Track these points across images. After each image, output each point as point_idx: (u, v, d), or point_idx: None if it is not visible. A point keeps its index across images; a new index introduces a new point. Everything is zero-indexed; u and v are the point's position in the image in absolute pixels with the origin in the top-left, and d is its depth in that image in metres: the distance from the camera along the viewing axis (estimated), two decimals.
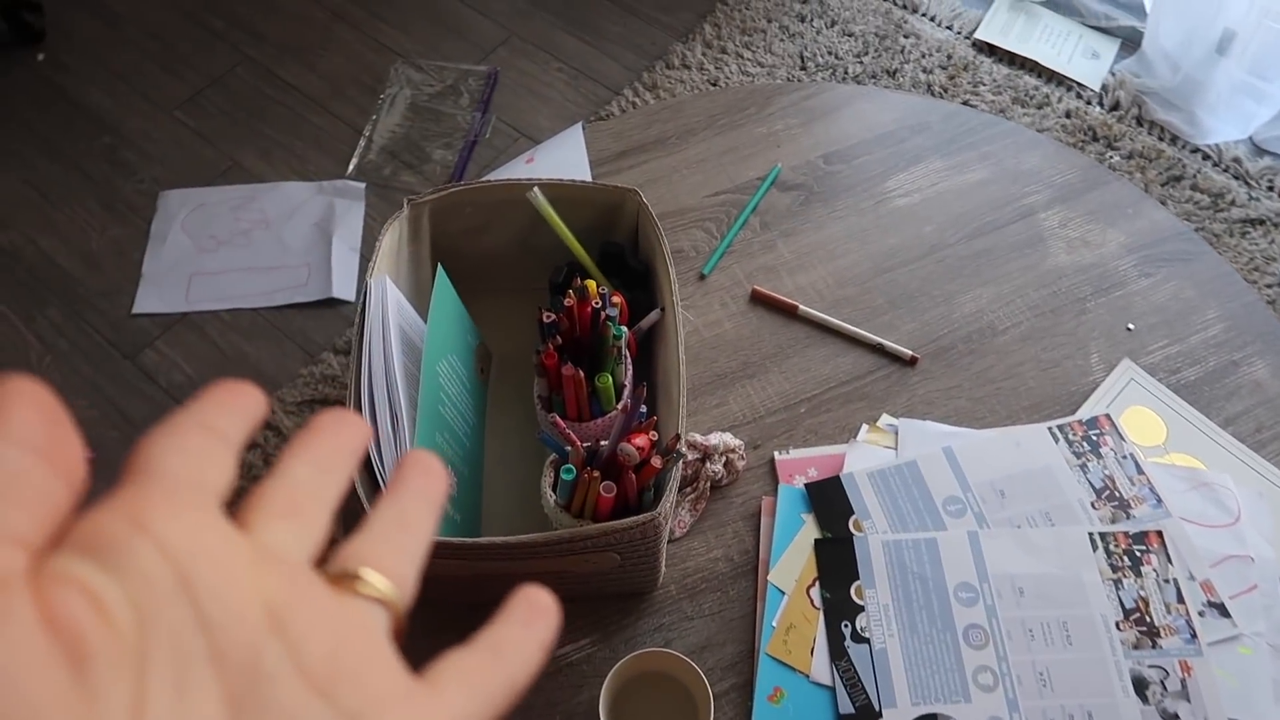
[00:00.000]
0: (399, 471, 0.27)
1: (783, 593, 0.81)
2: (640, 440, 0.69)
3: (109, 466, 1.41)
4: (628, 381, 0.80)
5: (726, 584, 0.83)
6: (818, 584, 0.81)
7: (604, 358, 0.79)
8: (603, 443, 0.71)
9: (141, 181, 1.76)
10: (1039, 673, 0.76)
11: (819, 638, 0.79)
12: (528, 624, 0.26)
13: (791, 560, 0.82)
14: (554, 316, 0.78)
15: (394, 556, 0.24)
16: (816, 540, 0.83)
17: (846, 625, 0.79)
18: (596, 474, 0.69)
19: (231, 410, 0.24)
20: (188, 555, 0.19)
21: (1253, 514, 0.86)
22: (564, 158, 1.11)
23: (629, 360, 0.81)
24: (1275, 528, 0.85)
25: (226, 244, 1.65)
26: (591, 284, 0.78)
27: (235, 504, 0.22)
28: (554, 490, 0.73)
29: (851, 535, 0.83)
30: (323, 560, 0.24)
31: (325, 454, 0.25)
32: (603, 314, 0.77)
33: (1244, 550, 0.83)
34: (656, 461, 0.69)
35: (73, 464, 0.20)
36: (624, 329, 0.79)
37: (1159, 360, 0.96)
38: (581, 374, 0.76)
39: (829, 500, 0.85)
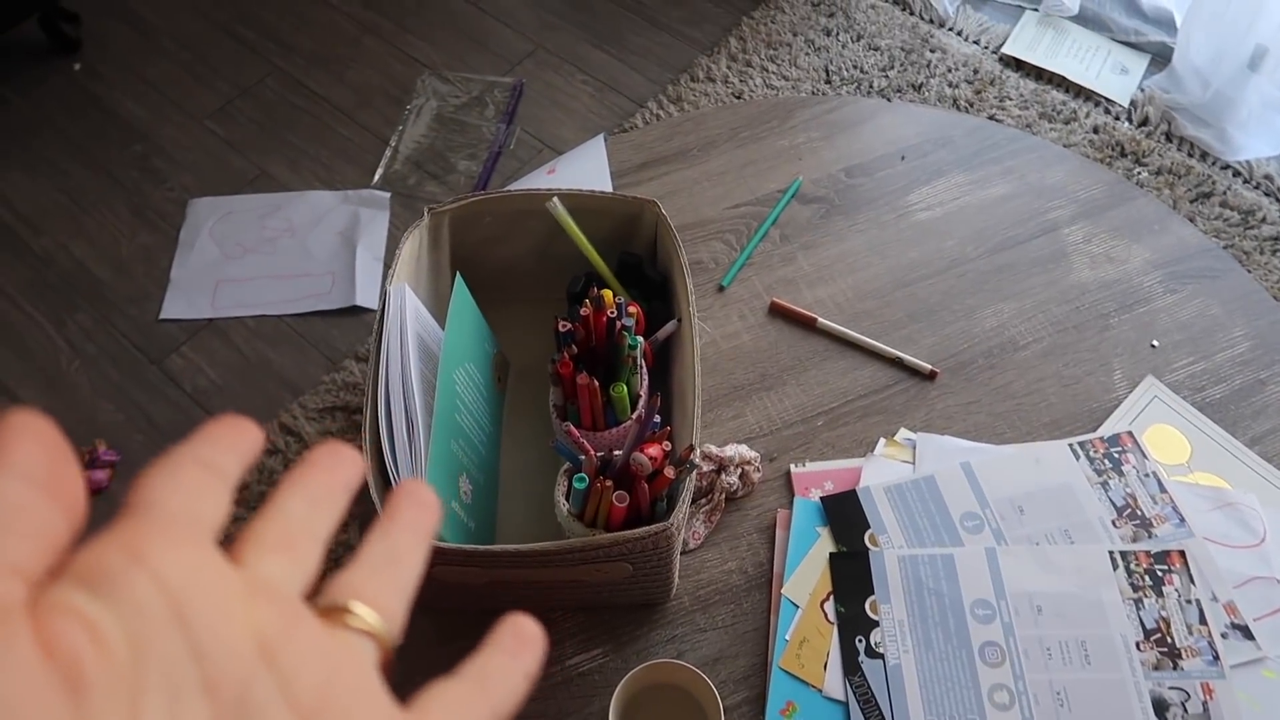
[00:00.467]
0: (391, 503, 0.27)
1: (797, 606, 0.80)
2: (653, 450, 0.69)
3: (133, 470, 1.43)
4: (643, 392, 0.80)
5: (740, 596, 0.82)
6: (832, 598, 0.80)
7: (619, 367, 0.79)
8: (616, 452, 0.71)
9: (171, 189, 1.79)
10: (1056, 692, 0.75)
11: (833, 652, 0.78)
12: (514, 654, 0.26)
13: (806, 574, 0.82)
14: (570, 326, 0.79)
15: (384, 590, 0.25)
16: (832, 554, 0.82)
17: (861, 640, 0.78)
18: (609, 483, 0.69)
19: (228, 447, 0.24)
20: (182, 587, 0.20)
21: (1279, 535, 0.84)
22: (586, 169, 1.11)
23: (645, 370, 0.81)
24: None
25: (253, 251, 1.67)
26: (608, 294, 0.78)
27: (231, 536, 0.22)
28: (567, 499, 0.73)
29: (867, 550, 0.82)
30: (314, 593, 0.24)
31: (319, 489, 0.25)
32: (618, 324, 0.77)
33: (1269, 572, 0.82)
34: (670, 472, 0.69)
35: (73, 497, 0.21)
36: (639, 339, 0.79)
37: (1184, 378, 0.94)
38: (596, 383, 0.76)
39: (845, 514, 0.85)
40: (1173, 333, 0.97)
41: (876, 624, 0.79)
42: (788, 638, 0.79)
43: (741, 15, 1.97)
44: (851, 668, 0.77)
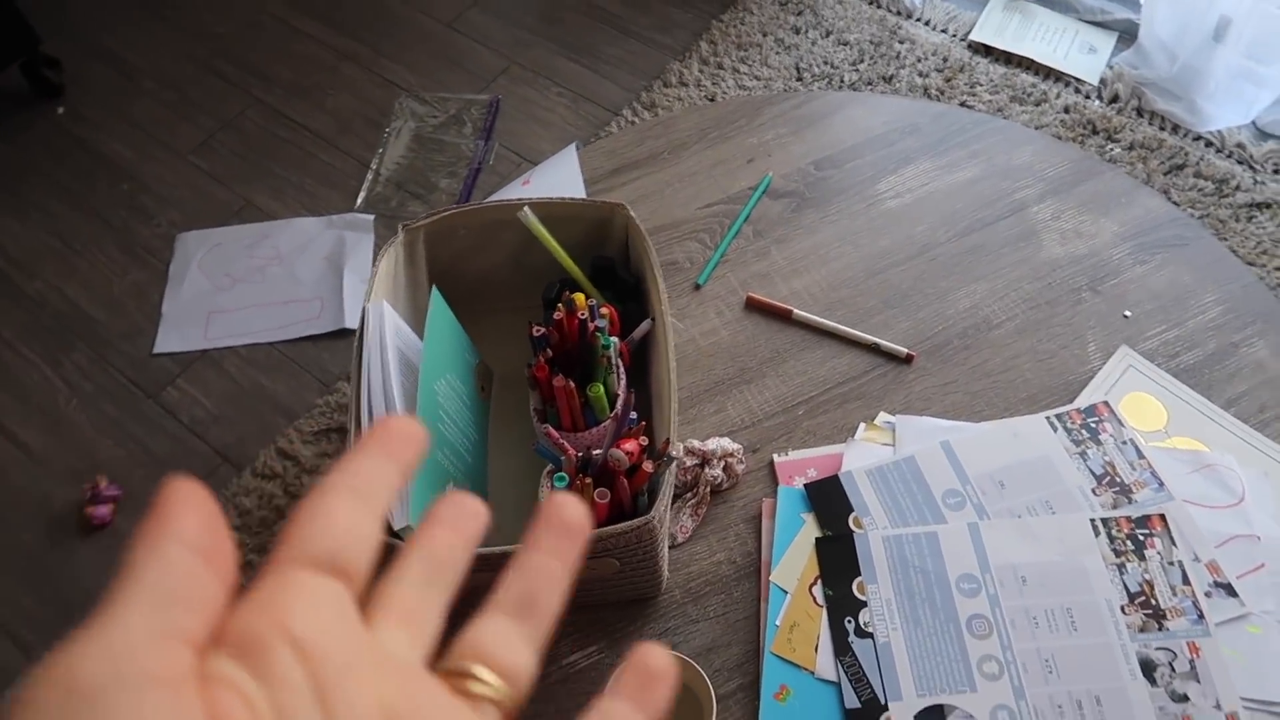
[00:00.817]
0: (536, 528, 0.27)
1: (785, 592, 0.81)
2: (630, 445, 0.70)
3: (136, 505, 1.45)
4: (621, 391, 0.82)
5: (730, 586, 0.83)
6: (820, 582, 0.82)
7: (595, 368, 0.80)
8: (595, 451, 0.72)
9: (159, 225, 1.81)
10: (1044, 660, 0.76)
11: (823, 635, 0.79)
12: (638, 700, 0.26)
13: (793, 560, 0.83)
14: (543, 330, 0.80)
15: (510, 649, 0.25)
16: (817, 539, 0.84)
17: (850, 621, 0.79)
18: (589, 481, 0.70)
19: (388, 460, 0.25)
20: (321, 660, 0.21)
21: (1258, 494, 0.85)
22: (559, 179, 1.13)
23: (621, 370, 0.82)
24: None
25: (242, 281, 1.69)
26: (579, 297, 0.80)
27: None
28: None
29: (852, 532, 0.84)
30: (440, 652, 0.25)
31: (442, 550, 0.26)
32: (591, 326, 0.79)
33: (1250, 530, 0.83)
34: (648, 466, 0.71)
35: (227, 563, 0.22)
36: (613, 340, 0.80)
37: (1157, 346, 0.96)
38: (573, 385, 0.77)
39: (828, 499, 0.86)
40: (1144, 302, 0.99)
41: (864, 604, 0.80)
42: (778, 623, 0.80)
43: (711, 19, 1.99)
44: (842, 648, 0.78)
